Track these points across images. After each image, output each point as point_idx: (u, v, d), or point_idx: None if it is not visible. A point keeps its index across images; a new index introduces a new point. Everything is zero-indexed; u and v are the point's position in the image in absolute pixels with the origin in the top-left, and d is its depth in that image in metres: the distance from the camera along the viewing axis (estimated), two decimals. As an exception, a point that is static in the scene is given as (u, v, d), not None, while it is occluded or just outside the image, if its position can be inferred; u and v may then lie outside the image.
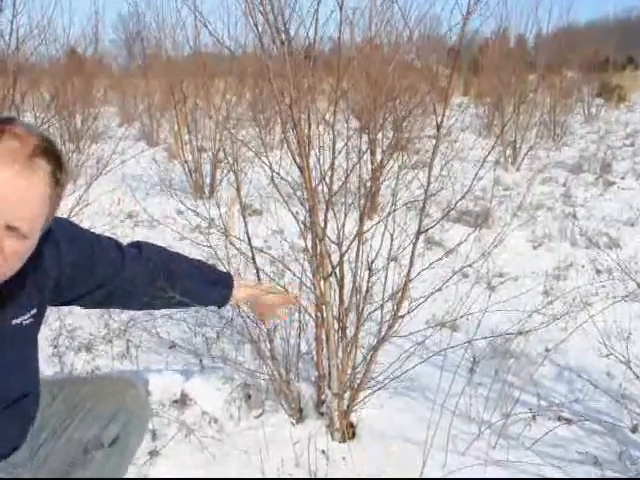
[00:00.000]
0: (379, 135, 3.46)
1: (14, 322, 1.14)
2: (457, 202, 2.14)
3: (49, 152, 1.01)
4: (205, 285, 1.63)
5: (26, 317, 1.16)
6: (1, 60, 3.30)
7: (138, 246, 1.56)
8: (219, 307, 1.79)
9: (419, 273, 2.06)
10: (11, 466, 1.22)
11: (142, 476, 1.87)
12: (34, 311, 1.18)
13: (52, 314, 2.84)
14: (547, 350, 2.77)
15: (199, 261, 1.70)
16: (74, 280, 1.31)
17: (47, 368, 1.42)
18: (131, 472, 1.86)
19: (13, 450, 1.25)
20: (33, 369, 1.29)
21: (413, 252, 2.02)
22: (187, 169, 5.79)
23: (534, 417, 2.21)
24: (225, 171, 5.51)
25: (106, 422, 1.35)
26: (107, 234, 3.81)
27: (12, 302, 1.12)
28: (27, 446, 1.25)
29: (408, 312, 2.08)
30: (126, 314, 3.01)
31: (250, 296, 1.78)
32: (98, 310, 3.05)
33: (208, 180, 5.84)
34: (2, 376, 1.15)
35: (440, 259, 2.15)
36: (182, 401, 2.19)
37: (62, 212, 3.30)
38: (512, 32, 9.89)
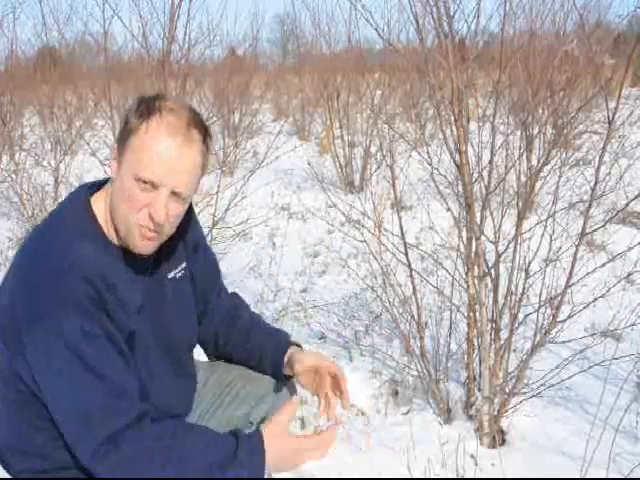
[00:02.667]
0: (537, 131, 3.28)
1: (169, 276, 1.26)
2: (628, 203, 1.97)
3: (200, 123, 1.11)
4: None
5: (177, 270, 1.27)
6: (173, 63, 3.56)
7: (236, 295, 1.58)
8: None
9: (582, 278, 1.94)
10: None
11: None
12: (183, 264, 1.29)
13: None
14: None
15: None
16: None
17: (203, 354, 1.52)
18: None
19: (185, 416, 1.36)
20: (194, 326, 1.37)
21: (575, 255, 1.90)
22: (338, 163, 5.90)
23: None
24: (375, 166, 5.54)
25: (255, 402, 1.42)
26: (262, 226, 4.05)
27: (165, 258, 1.23)
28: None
29: (568, 317, 1.96)
30: (279, 303, 3.14)
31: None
32: (253, 297, 3.20)
33: (357, 175, 5.91)
34: (171, 324, 1.26)
35: (606, 263, 2.00)
36: (331, 391, 2.24)
37: (222, 204, 3.51)
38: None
